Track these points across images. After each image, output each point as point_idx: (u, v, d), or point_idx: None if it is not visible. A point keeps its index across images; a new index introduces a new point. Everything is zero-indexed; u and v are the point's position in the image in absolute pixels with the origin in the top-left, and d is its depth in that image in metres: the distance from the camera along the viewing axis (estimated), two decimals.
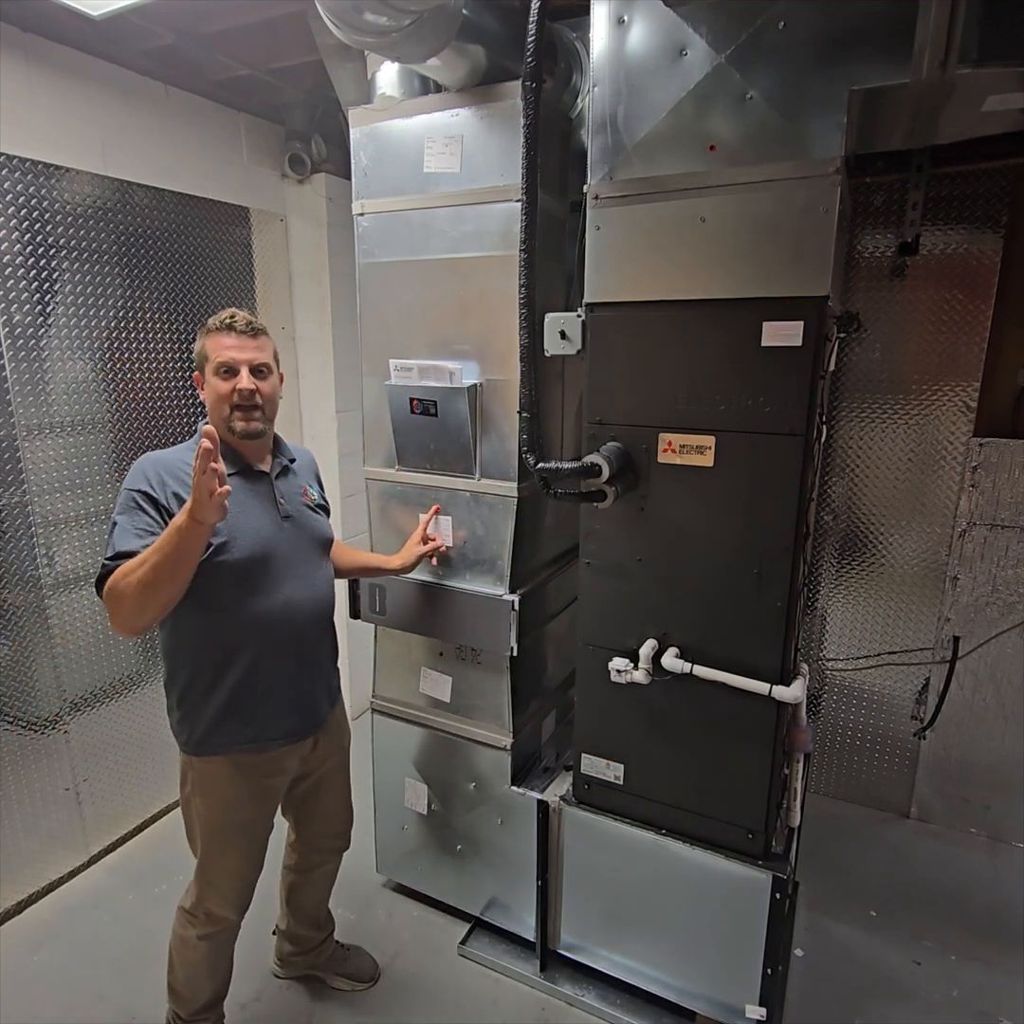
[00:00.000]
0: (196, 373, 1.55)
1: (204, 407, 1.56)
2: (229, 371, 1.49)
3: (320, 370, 3.12)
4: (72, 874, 2.45)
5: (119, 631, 1.41)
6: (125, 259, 2.42)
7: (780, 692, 1.56)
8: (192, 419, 2.72)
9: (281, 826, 1.83)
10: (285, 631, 1.56)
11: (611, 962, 1.96)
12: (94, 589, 1.43)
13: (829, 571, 2.67)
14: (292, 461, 1.68)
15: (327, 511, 1.76)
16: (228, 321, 1.50)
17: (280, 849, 1.89)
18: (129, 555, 1.37)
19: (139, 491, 1.44)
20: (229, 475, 1.47)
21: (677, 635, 1.69)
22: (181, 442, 1.61)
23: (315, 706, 1.67)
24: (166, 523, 1.41)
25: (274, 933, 2.07)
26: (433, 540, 1.93)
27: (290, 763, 1.67)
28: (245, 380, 1.49)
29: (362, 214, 1.91)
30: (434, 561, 1.99)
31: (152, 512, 1.43)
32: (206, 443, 1.21)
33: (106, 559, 1.39)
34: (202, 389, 1.55)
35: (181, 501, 1.43)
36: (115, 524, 1.43)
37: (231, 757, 1.56)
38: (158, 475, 1.46)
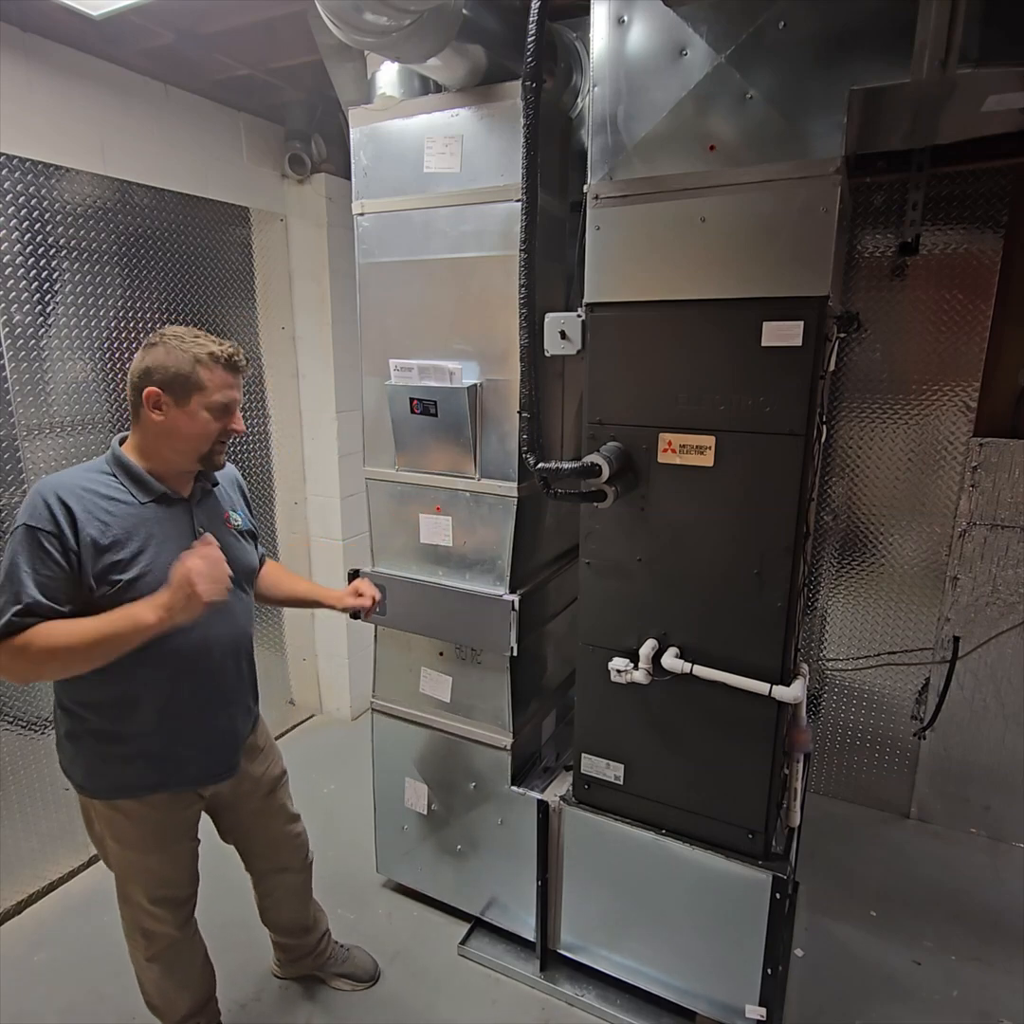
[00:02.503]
0: (153, 389, 1.34)
1: (127, 420, 1.41)
2: (226, 411, 1.40)
3: (320, 370, 3.11)
4: (72, 874, 2.45)
5: (10, 680, 1.31)
6: (125, 259, 2.42)
7: (780, 692, 1.56)
8: None
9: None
10: (201, 669, 1.46)
11: (611, 962, 1.96)
12: None
13: (829, 571, 2.67)
14: (214, 484, 1.55)
15: (254, 536, 1.65)
16: (235, 359, 1.40)
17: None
18: (38, 609, 1.25)
19: (45, 530, 1.26)
20: (143, 503, 1.38)
21: (677, 635, 1.69)
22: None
23: (233, 747, 1.57)
24: (72, 569, 1.28)
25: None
26: (361, 599, 1.77)
27: (206, 792, 1.58)
28: (241, 423, 1.44)
29: (362, 214, 1.91)
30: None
31: (59, 557, 1.27)
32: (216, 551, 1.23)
33: (13, 615, 1.24)
34: (160, 412, 1.35)
35: (96, 545, 1.30)
36: (15, 565, 1.25)
37: (139, 800, 1.46)
38: (65, 509, 1.28)
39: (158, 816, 1.49)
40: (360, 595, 1.78)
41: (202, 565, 1.26)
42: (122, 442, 1.44)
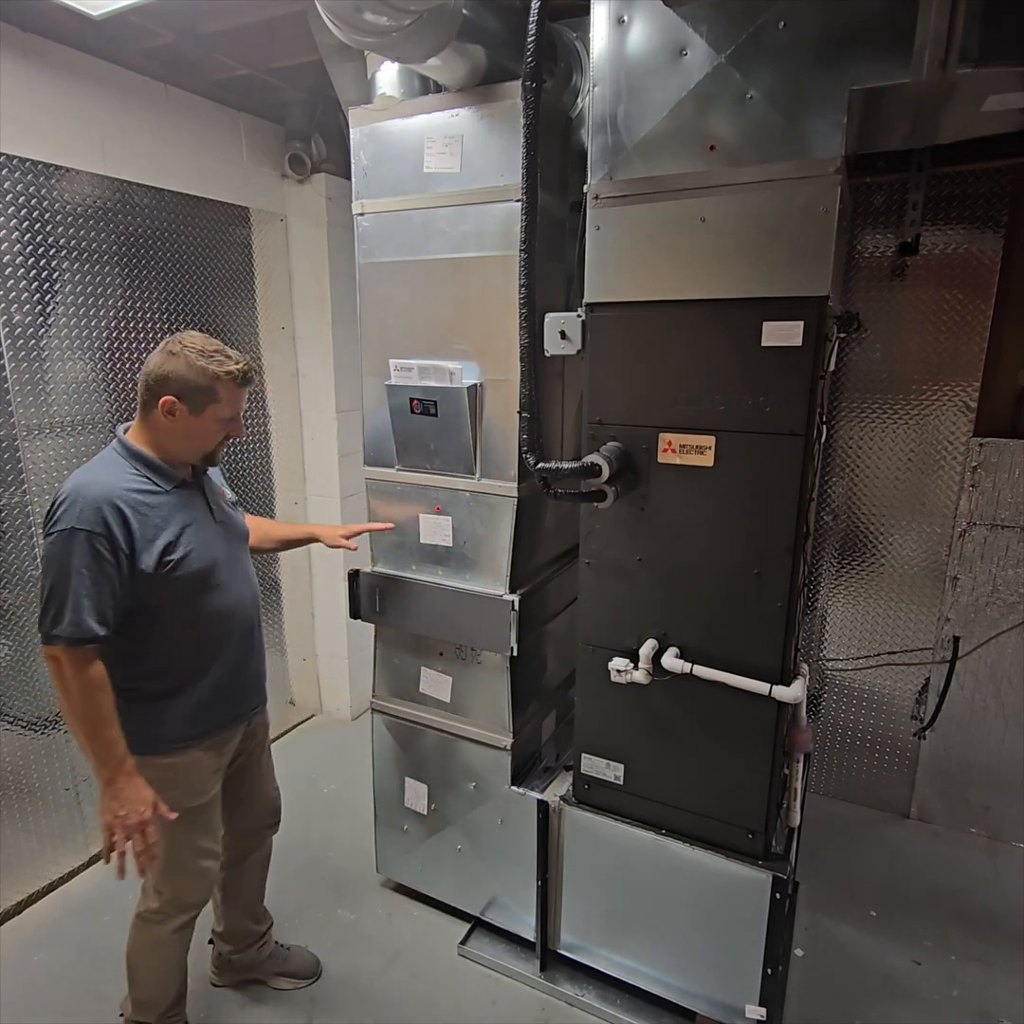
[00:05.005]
0: (170, 398, 1.45)
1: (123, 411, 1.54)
2: (233, 420, 1.55)
3: (320, 370, 3.11)
4: (72, 874, 2.44)
5: (53, 673, 1.43)
6: (125, 259, 2.42)
7: (780, 692, 1.56)
8: None
9: None
10: (238, 625, 1.65)
11: (611, 962, 1.96)
12: (46, 635, 1.39)
13: (829, 571, 2.67)
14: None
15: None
16: (249, 376, 1.53)
17: None
18: (93, 637, 1.39)
19: (96, 533, 1.38)
20: (168, 491, 1.51)
21: (677, 635, 1.69)
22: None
23: (260, 686, 1.78)
24: (122, 565, 1.41)
25: (210, 942, 2.02)
26: (350, 541, 1.97)
27: (237, 738, 1.74)
28: (242, 428, 1.59)
29: (362, 214, 1.91)
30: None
31: (110, 556, 1.40)
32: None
33: (91, 638, 1.38)
34: (173, 417, 1.46)
35: (145, 537, 1.44)
36: (72, 568, 1.37)
37: (194, 747, 1.60)
38: (116, 512, 1.41)
39: (206, 760, 1.63)
40: (351, 537, 1.98)
41: (137, 841, 1.46)
42: (126, 431, 1.54)
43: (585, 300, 1.64)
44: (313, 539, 2.01)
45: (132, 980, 1.74)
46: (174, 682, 1.57)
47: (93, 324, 2.35)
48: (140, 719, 1.55)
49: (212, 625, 1.59)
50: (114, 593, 1.42)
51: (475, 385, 1.83)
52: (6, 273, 2.09)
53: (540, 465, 1.57)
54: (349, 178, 1.92)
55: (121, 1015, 1.83)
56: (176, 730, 1.57)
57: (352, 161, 1.90)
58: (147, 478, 1.49)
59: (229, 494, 1.74)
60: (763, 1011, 1.73)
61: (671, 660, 1.65)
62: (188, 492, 1.57)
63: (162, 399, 1.45)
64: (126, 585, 1.44)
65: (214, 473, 1.71)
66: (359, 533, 2.00)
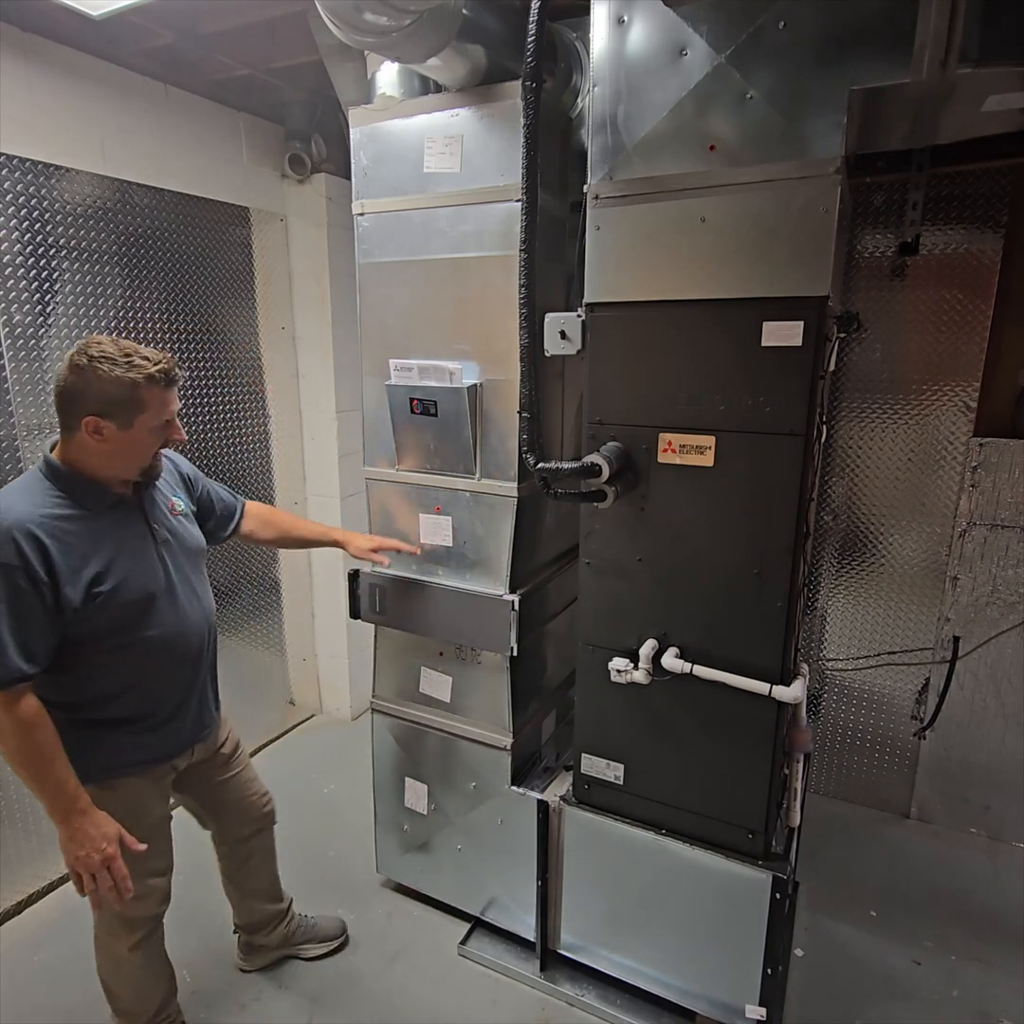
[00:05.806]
0: (92, 418, 1.31)
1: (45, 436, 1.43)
2: (168, 425, 1.43)
3: (320, 370, 3.11)
4: None
5: None
6: (125, 259, 2.42)
7: (780, 692, 1.56)
8: (200, 426, 2.72)
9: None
10: (184, 652, 1.56)
11: (611, 962, 1.96)
12: None
13: (829, 571, 2.67)
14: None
15: (198, 515, 1.72)
16: (173, 374, 1.39)
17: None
18: (23, 676, 1.30)
19: (13, 566, 1.27)
20: (96, 514, 1.40)
21: (677, 635, 1.69)
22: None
23: (209, 710, 1.69)
24: (46, 600, 1.31)
25: (234, 932, 2.06)
26: (379, 556, 1.93)
27: (181, 764, 1.66)
28: (182, 431, 1.46)
29: (362, 214, 1.91)
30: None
31: (31, 590, 1.29)
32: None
33: (18, 678, 1.29)
34: (101, 436, 1.33)
35: (70, 568, 1.33)
36: (5, 612, 1.27)
37: (132, 776, 1.52)
38: (34, 541, 1.29)
39: (149, 785, 1.57)
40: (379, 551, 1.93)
41: (104, 878, 1.40)
42: (52, 448, 1.41)
43: (585, 300, 1.64)
44: (337, 546, 1.93)
45: (109, 996, 1.72)
46: (108, 713, 1.47)
47: (93, 324, 2.35)
48: (80, 745, 1.44)
49: (149, 655, 1.49)
50: (41, 626, 1.32)
51: (475, 385, 1.83)
52: (6, 273, 2.09)
53: (540, 465, 1.57)
54: (349, 178, 1.92)
55: None
56: (111, 760, 1.48)
57: (352, 161, 1.90)
58: (72, 501, 1.37)
59: (181, 505, 1.62)
60: (763, 1011, 1.73)
61: (671, 660, 1.65)
62: (123, 512, 1.45)
63: (84, 420, 1.32)
64: (53, 617, 1.33)
65: (163, 482, 1.59)
66: (389, 549, 1.95)
